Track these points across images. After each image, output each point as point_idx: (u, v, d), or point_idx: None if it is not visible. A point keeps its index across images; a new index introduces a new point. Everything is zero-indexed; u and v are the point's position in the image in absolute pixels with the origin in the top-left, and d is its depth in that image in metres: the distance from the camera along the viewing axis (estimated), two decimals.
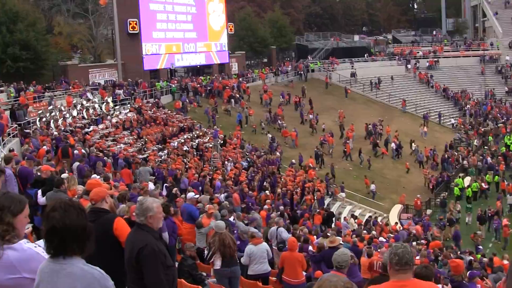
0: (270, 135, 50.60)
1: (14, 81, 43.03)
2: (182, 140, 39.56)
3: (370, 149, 53.75)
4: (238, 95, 58.31)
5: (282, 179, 38.88)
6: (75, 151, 24.81)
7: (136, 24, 56.76)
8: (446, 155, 53.55)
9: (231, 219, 18.16)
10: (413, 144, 55.43)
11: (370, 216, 38.42)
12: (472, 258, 24.07)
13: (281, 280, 14.45)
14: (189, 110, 52.20)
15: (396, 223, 38.03)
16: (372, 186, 44.99)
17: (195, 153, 38.37)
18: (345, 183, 44.38)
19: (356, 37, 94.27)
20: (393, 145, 54.23)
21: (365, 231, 28.24)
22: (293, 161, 45.20)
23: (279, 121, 54.82)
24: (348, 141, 52.63)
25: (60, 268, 4.07)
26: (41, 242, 4.63)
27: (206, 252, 14.29)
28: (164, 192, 23.58)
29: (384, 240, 26.58)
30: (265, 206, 27.33)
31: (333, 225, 32.15)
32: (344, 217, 35.71)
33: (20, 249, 4.37)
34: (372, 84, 72.32)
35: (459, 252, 26.68)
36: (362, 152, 51.05)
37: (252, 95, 60.91)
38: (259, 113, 55.83)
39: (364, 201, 43.50)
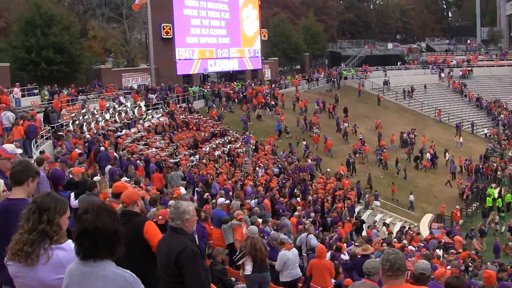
0: (304, 142, 50.36)
1: (48, 84, 43.49)
2: (214, 146, 39.59)
3: (405, 158, 53.20)
4: (273, 102, 58.16)
5: (313, 186, 38.66)
6: (104, 154, 24.93)
7: (170, 29, 57.02)
8: (480, 165, 52.90)
9: (266, 228, 18.12)
10: (447, 154, 54.77)
11: (403, 226, 38.11)
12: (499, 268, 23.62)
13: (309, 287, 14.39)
14: (213, 110, 52.35)
15: (431, 232, 37.62)
16: (411, 197, 44.52)
17: (226, 158, 38.34)
18: (377, 191, 44.00)
19: (390, 45, 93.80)
20: (428, 155, 53.69)
21: (395, 240, 27.95)
22: (328, 169, 44.83)
23: (314, 128, 54.51)
24: (384, 150, 52.21)
25: (91, 271, 4.05)
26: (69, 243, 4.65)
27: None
28: (195, 197, 23.58)
29: (415, 249, 26.23)
30: (296, 213, 27.21)
31: (363, 233, 31.90)
32: (375, 226, 35.40)
33: (69, 248, 4.47)
34: (405, 92, 71.82)
35: (488, 263, 26.24)
36: (399, 162, 50.54)
37: (285, 102, 60.76)
38: (290, 119, 55.66)
39: (395, 209, 43.10)
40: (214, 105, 53.75)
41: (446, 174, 51.72)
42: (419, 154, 53.82)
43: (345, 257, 17.49)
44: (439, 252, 28.41)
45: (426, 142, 56.54)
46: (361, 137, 54.41)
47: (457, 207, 43.63)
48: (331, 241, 20.68)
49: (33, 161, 17.92)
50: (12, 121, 25.42)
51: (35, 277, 4.47)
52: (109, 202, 8.81)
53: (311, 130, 54.34)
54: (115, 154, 26.07)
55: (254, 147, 43.15)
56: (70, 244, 4.49)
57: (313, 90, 69.90)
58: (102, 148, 26.09)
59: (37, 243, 4.45)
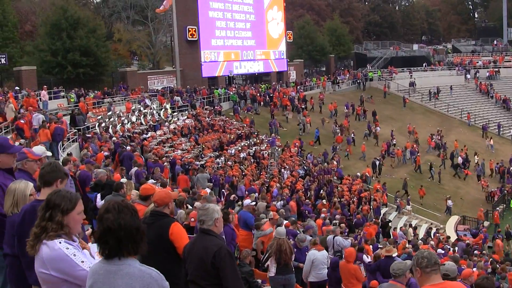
0: (333, 146, 50.10)
1: (75, 87, 43.84)
2: (240, 147, 39.62)
3: (437, 161, 52.57)
4: (302, 106, 57.97)
5: (339, 188, 38.52)
6: (127, 153, 25.08)
7: (195, 31, 57.13)
8: (510, 168, 52.24)
9: (295, 229, 18.06)
10: (475, 156, 54.04)
11: (430, 228, 37.84)
12: None
13: None
14: (245, 117, 52.39)
15: (457, 234, 37.30)
16: (449, 202, 43.92)
17: (252, 160, 38.32)
18: (409, 195, 43.64)
19: (415, 46, 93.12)
20: (460, 159, 52.99)
21: (420, 242, 27.75)
22: (358, 173, 44.52)
23: (350, 134, 54.17)
24: (418, 153, 51.80)
25: (117, 269, 4.08)
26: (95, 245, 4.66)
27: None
28: (221, 199, 23.59)
29: (443, 252, 25.95)
30: (322, 215, 27.09)
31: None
32: (401, 227, 35.21)
33: (52, 247, 4.51)
34: (431, 94, 71.25)
35: None
36: (433, 166, 49.95)
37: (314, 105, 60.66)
38: (316, 121, 55.55)
39: (421, 211, 42.73)
40: (239, 107, 53.80)
41: (471, 177, 51.24)
42: (459, 162, 52.87)
43: (367, 259, 17.35)
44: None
45: (454, 144, 55.93)
46: (394, 142, 54.16)
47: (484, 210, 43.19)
48: (355, 241, 20.57)
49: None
50: (41, 123, 25.64)
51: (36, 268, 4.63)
52: (135, 204, 8.83)
53: (342, 134, 53.84)
54: (140, 156, 26.16)
55: (281, 149, 43.16)
56: (55, 243, 4.52)
57: (338, 92, 69.65)
58: (127, 148, 26.29)
59: (38, 238, 4.57)
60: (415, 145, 53.59)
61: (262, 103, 57.27)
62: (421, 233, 36.12)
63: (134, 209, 4.26)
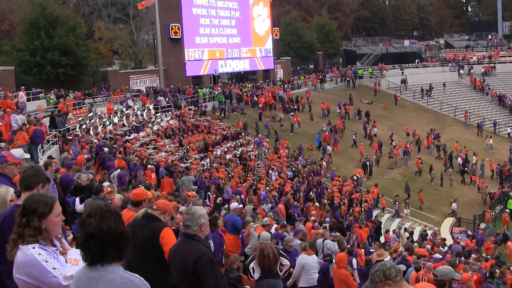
0: (328, 147, 50.11)
1: (54, 87, 43.69)
2: (225, 149, 39.66)
3: (434, 162, 52.75)
4: (293, 107, 58.07)
5: (328, 190, 38.59)
6: (106, 155, 25.15)
7: (178, 29, 57.16)
8: (510, 168, 52.13)
9: (284, 233, 18.12)
10: (474, 157, 53.79)
11: (424, 230, 37.91)
12: None
13: None
14: (229, 117, 52.53)
15: (452, 237, 37.41)
16: (454, 205, 43.49)
17: (238, 162, 38.37)
18: (393, 194, 43.51)
19: (407, 42, 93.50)
20: (459, 159, 52.58)
21: (415, 244, 27.84)
22: (355, 176, 44.42)
23: (340, 134, 54.44)
24: (418, 156, 51.79)
25: (99, 276, 4.10)
26: (72, 250, 4.73)
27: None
28: (208, 202, 23.62)
29: (440, 256, 25.99)
30: (311, 218, 27.16)
31: (381, 238, 31.84)
32: (393, 230, 35.31)
33: (24, 252, 4.57)
34: (423, 91, 71.53)
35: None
36: (433, 169, 49.75)
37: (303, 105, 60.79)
38: (306, 121, 55.72)
39: (415, 214, 42.76)
40: (226, 107, 53.88)
41: (465, 177, 51.31)
42: (465, 168, 52.57)
43: (354, 263, 17.43)
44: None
45: (447, 142, 56.11)
46: (394, 144, 54.10)
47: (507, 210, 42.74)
48: (346, 245, 20.66)
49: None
50: (21, 124, 25.60)
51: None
52: (125, 210, 8.88)
53: (336, 135, 53.78)
54: (123, 158, 26.16)
55: (271, 150, 43.25)
56: (28, 248, 4.56)
57: (327, 90, 69.73)
58: (105, 149, 26.31)
59: (15, 243, 4.62)
60: (408, 145, 53.59)
61: (249, 103, 57.24)
62: (415, 236, 36.17)
63: (118, 213, 4.28)
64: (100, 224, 4.09)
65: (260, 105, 55.51)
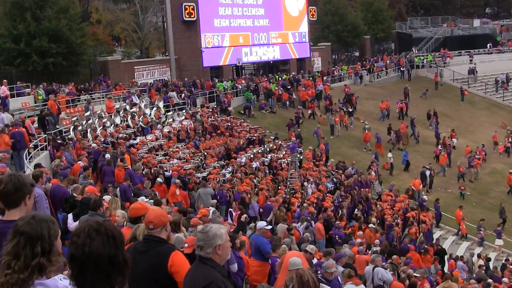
0: (375, 154, 50.09)
1: (43, 81, 43.90)
2: (251, 155, 39.65)
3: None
4: (345, 106, 58.12)
5: (378, 206, 38.49)
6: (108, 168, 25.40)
7: (193, 9, 57.46)
8: None
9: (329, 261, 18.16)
10: None
11: (507, 259, 36.90)
12: None
13: None
14: (254, 116, 52.72)
15: None
16: None
17: (267, 171, 38.44)
18: (453, 211, 42.95)
19: (477, 22, 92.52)
20: None
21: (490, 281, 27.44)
22: (411, 189, 44.13)
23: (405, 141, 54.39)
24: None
25: None
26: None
27: None
28: (229, 220, 23.75)
29: None
30: (357, 240, 27.11)
31: (445, 267, 31.60)
32: (461, 257, 34.84)
33: (53, 286, 4.39)
34: (498, 83, 70.97)
35: None
36: None
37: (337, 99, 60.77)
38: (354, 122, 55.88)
39: (491, 237, 41.88)
40: (251, 105, 54.08)
41: None
42: None
43: None
44: None
45: None
46: (475, 154, 52.82)
47: None
48: (404, 275, 20.70)
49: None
50: (8, 123, 25.92)
51: None
52: (123, 229, 9.02)
53: (399, 142, 53.70)
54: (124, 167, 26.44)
55: (301, 157, 43.06)
56: (56, 281, 4.40)
57: (376, 83, 69.68)
58: (107, 156, 26.55)
59: (30, 281, 4.37)
60: (479, 151, 53.04)
61: (286, 100, 57.31)
62: (492, 264, 35.43)
63: (111, 234, 4.29)
64: (84, 245, 4.13)
65: (299, 106, 55.71)
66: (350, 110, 58.04)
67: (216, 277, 6.30)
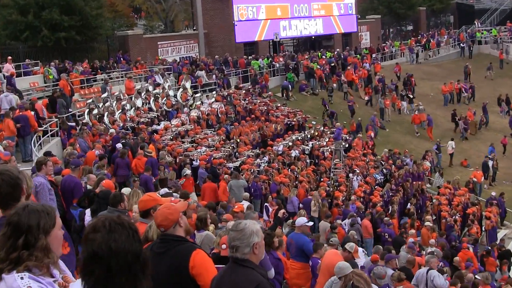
0: (437, 144, 49.49)
1: (54, 58, 43.89)
2: (290, 143, 39.49)
3: None
4: (406, 92, 57.76)
5: (434, 201, 38.16)
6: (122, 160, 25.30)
7: None
8: None
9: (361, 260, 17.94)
10: None
11: None
12: None
13: None
14: (294, 98, 52.56)
15: None
16: None
17: (308, 161, 38.28)
18: None
19: None
20: None
21: None
22: (472, 181, 43.66)
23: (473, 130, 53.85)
24: None
25: None
26: (76, 284, 4.58)
27: None
28: (265, 216, 23.61)
29: None
30: (410, 240, 26.86)
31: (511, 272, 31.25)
32: None
33: (9, 284, 4.33)
34: None
35: None
36: None
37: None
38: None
39: None
40: (291, 86, 53.73)
41: None
42: None
43: None
44: None
45: None
46: None
47: None
48: (465, 282, 20.45)
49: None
50: (15, 106, 25.91)
51: None
52: (139, 224, 8.88)
53: (466, 131, 53.33)
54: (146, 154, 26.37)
55: (347, 145, 42.70)
56: (15, 278, 4.31)
57: (432, 60, 69.13)
58: (119, 145, 26.42)
59: (1, 273, 4.39)
60: None
61: (324, 78, 56.91)
62: None
63: (134, 228, 4.24)
64: (108, 241, 4.03)
65: (345, 85, 55.45)
66: (411, 95, 57.58)
67: (261, 279, 6.21)
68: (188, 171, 27.27)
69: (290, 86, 53.59)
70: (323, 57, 60.63)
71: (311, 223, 17.73)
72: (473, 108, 56.40)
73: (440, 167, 47.09)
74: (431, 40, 72.69)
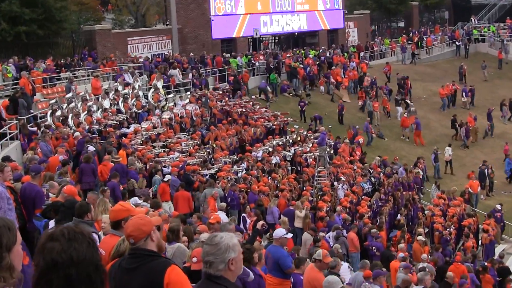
0: (434, 153, 49.39)
1: (13, 55, 43.70)
2: (270, 148, 39.55)
3: None
4: (401, 96, 57.88)
5: (426, 212, 38.26)
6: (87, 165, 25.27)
7: None
8: None
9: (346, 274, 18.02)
10: None
11: None
12: None
13: None
14: (275, 101, 52.69)
15: None
16: None
17: (289, 168, 38.34)
18: None
19: None
20: None
21: None
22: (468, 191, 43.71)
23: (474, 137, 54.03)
24: None
25: None
26: None
27: None
28: (243, 228, 23.63)
29: None
30: (400, 254, 26.94)
31: None
32: None
33: None
34: None
35: None
36: None
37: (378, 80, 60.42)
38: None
39: None
40: (268, 87, 53.73)
41: None
42: None
43: None
44: None
45: None
46: None
47: None
48: None
49: None
50: None
51: None
52: (106, 237, 8.90)
53: (468, 138, 53.29)
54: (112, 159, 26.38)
55: (332, 151, 42.72)
56: None
57: (425, 60, 69.34)
58: (90, 148, 26.41)
59: None
60: None
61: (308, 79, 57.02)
62: None
63: (93, 238, 4.24)
64: (69, 250, 4.03)
65: (332, 86, 55.56)
66: (407, 99, 57.72)
67: None
68: (168, 176, 27.31)
69: (272, 87, 53.72)
70: (309, 56, 60.61)
71: (290, 235, 17.66)
72: (473, 113, 56.50)
73: (438, 177, 47.13)
74: (424, 38, 72.84)
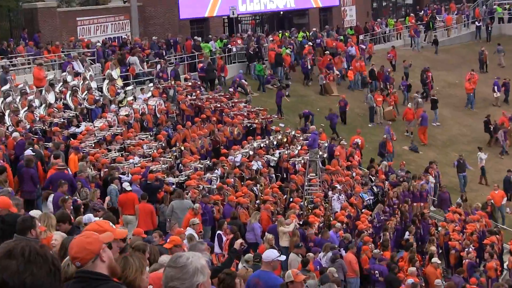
0: (458, 161, 49.30)
1: None
2: (251, 152, 39.55)
3: None
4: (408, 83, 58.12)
5: (440, 229, 38.36)
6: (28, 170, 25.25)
7: None
8: None
9: None
10: None
11: None
12: None
13: None
14: (252, 94, 52.85)
15: None
16: None
17: (273, 175, 38.37)
18: None
19: None
20: None
21: None
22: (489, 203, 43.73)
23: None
24: None
25: None
26: None
27: None
28: (217, 248, 23.71)
29: None
30: (409, 280, 27.03)
31: None
32: None
33: None
34: None
35: None
36: None
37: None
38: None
39: None
40: (243, 80, 53.62)
41: None
42: None
43: None
44: None
45: None
46: None
47: None
48: None
49: None
50: None
51: None
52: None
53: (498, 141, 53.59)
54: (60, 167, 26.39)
55: (325, 155, 42.75)
56: None
57: (441, 44, 69.39)
58: (28, 152, 26.38)
59: None
60: None
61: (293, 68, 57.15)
62: None
63: (57, 265, 4.25)
64: (24, 273, 4.03)
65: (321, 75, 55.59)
66: (433, 95, 57.57)
67: None
68: (128, 186, 27.27)
69: (259, 80, 53.92)
70: (309, 44, 60.38)
71: (283, 257, 17.59)
72: (508, 112, 56.60)
73: (463, 190, 47.18)
74: (436, 17, 72.82)
